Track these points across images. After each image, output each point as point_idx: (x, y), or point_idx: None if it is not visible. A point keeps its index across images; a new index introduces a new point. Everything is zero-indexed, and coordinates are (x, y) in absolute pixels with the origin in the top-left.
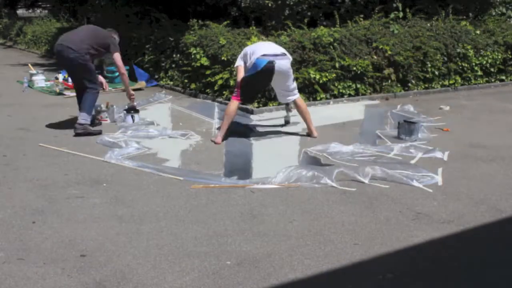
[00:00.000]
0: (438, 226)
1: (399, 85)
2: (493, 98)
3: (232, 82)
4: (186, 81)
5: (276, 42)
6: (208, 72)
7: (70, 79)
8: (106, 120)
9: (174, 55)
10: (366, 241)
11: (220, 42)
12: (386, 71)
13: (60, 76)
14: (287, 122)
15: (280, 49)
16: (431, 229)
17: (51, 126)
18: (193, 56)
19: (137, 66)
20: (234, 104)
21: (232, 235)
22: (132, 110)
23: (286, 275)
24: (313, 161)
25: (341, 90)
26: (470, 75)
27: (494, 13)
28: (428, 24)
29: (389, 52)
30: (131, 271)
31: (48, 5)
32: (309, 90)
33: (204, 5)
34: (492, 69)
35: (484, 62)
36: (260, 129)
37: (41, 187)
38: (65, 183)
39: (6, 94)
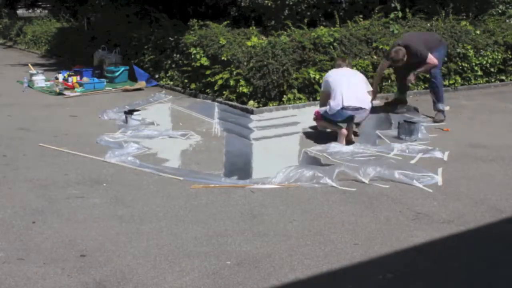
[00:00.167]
0: (438, 226)
1: None
2: (493, 98)
3: (232, 82)
4: (186, 81)
5: (276, 42)
6: (208, 72)
7: (69, 79)
8: None
9: (174, 55)
10: (366, 241)
11: (220, 42)
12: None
13: (60, 76)
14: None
15: (363, 95)
16: (431, 229)
17: (51, 126)
18: (193, 56)
19: (137, 66)
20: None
21: (232, 235)
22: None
23: (286, 275)
24: (313, 161)
25: None
26: (470, 75)
27: (494, 13)
28: (428, 24)
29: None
30: (131, 271)
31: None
32: (309, 90)
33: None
34: (492, 69)
35: (484, 62)
36: (260, 129)
37: (41, 187)
38: (65, 183)
39: (6, 94)
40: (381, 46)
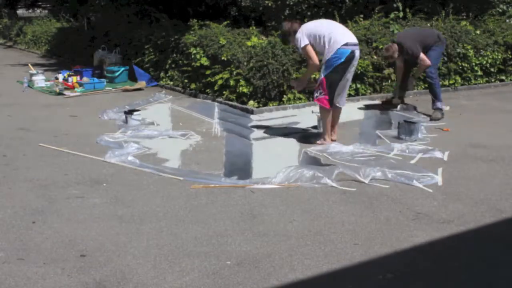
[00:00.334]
0: (438, 226)
1: None
2: (493, 98)
3: (232, 82)
4: (186, 81)
5: (276, 42)
6: (208, 72)
7: (69, 79)
8: None
9: (174, 55)
10: (366, 241)
11: (220, 42)
12: (386, 71)
13: (60, 76)
14: None
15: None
16: (431, 229)
17: (51, 126)
18: (193, 56)
19: (137, 66)
20: (323, 109)
21: (232, 235)
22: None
23: (286, 275)
24: (313, 161)
25: None
26: (470, 75)
27: (494, 13)
28: (428, 24)
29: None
30: (131, 271)
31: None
32: (309, 90)
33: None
34: (492, 69)
35: (484, 62)
36: (260, 129)
37: (41, 187)
38: (65, 183)
39: (6, 94)
40: (381, 46)
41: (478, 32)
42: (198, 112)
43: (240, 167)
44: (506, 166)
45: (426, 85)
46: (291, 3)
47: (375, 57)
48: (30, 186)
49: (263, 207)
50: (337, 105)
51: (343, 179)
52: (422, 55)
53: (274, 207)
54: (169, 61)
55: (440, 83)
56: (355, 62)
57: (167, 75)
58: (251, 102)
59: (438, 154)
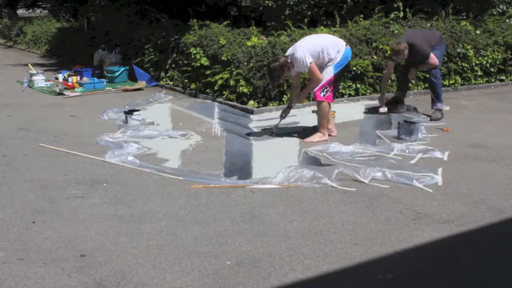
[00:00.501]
0: (438, 226)
1: None
2: (493, 98)
3: (232, 82)
4: (186, 81)
5: (276, 42)
6: (208, 72)
7: (69, 79)
8: None
9: (174, 55)
10: (366, 241)
11: (220, 42)
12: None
13: (60, 76)
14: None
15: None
16: (431, 229)
17: (51, 126)
18: (193, 56)
19: (137, 66)
20: (328, 105)
21: (232, 235)
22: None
23: (286, 275)
24: (313, 161)
25: (341, 90)
26: (470, 75)
27: (494, 12)
28: (428, 24)
29: (389, 52)
30: (131, 271)
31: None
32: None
33: (204, 5)
34: (492, 69)
35: (484, 62)
36: (260, 129)
37: (41, 187)
38: (65, 183)
39: (6, 94)
40: (381, 46)
41: (478, 32)
42: (198, 112)
43: (240, 167)
44: (506, 166)
45: (426, 85)
46: (291, 3)
47: (375, 57)
48: (30, 186)
49: (263, 207)
50: None
51: (343, 178)
52: (432, 55)
53: (274, 207)
54: (169, 61)
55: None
56: None
57: (167, 75)
58: (251, 102)
59: (438, 154)
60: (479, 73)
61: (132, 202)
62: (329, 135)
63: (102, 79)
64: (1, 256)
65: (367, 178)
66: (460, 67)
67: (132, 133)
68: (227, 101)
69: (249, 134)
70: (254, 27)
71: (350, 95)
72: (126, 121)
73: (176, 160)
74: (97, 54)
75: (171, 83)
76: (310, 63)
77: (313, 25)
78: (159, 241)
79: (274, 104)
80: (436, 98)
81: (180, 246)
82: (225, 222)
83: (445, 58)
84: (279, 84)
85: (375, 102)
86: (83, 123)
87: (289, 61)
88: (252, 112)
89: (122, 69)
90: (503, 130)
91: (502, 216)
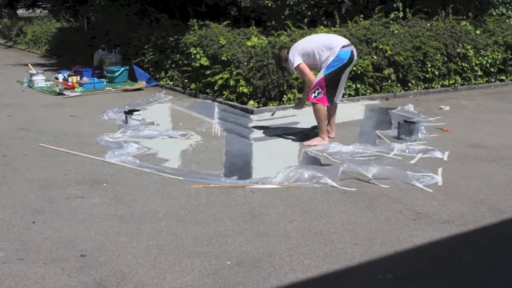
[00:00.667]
0: (438, 226)
1: (399, 85)
2: (493, 98)
3: (232, 82)
4: (186, 81)
5: (276, 42)
6: (208, 72)
7: (69, 79)
8: None
9: (174, 55)
10: (366, 241)
11: (220, 42)
12: (386, 71)
13: (60, 76)
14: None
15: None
16: (431, 229)
17: (51, 126)
18: (193, 56)
19: (137, 66)
20: (323, 108)
21: (232, 235)
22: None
23: (286, 275)
24: (313, 161)
25: None
26: (470, 75)
27: (494, 13)
28: (428, 24)
29: (389, 52)
30: (131, 271)
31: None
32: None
33: (204, 5)
34: (492, 69)
35: (484, 62)
36: (260, 129)
37: (41, 187)
38: (65, 183)
39: (6, 94)
40: (381, 46)
41: (478, 32)
42: (198, 112)
43: (240, 167)
44: (506, 166)
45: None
46: (291, 3)
47: (375, 57)
48: (30, 186)
49: (263, 207)
50: (336, 101)
51: (343, 178)
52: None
53: (274, 207)
54: (169, 61)
55: (440, 83)
56: (354, 61)
57: (167, 75)
58: (251, 102)
59: (438, 154)
60: (479, 73)
61: (132, 202)
62: (328, 136)
63: (102, 79)
64: (1, 256)
65: (371, 173)
66: (460, 67)
67: (132, 133)
68: (227, 101)
69: (249, 134)
70: (254, 27)
71: (350, 95)
72: (126, 121)
73: (176, 160)
74: (97, 54)
75: (171, 83)
76: (299, 64)
77: (313, 25)
78: (159, 241)
79: (274, 104)
80: None
81: (180, 246)
82: (225, 222)
83: (445, 58)
84: (279, 84)
85: (375, 102)
86: (83, 123)
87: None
88: (252, 112)
89: (122, 69)
90: (503, 130)
91: (502, 216)
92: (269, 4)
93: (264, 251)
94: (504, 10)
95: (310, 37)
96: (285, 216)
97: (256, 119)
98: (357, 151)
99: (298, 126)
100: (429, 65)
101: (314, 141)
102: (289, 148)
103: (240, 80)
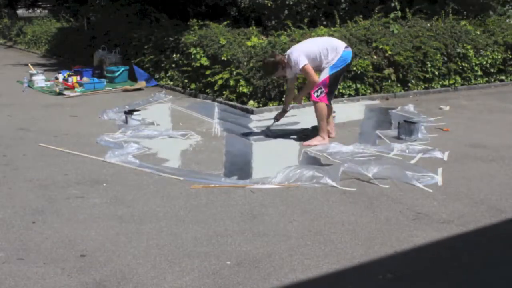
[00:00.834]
0: (438, 226)
1: (399, 85)
2: (493, 98)
3: (232, 82)
4: (186, 81)
5: (276, 42)
6: (208, 72)
7: (69, 79)
8: None
9: (174, 55)
10: (366, 241)
11: (220, 42)
12: (386, 71)
13: (60, 76)
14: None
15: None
16: (431, 229)
17: (51, 126)
18: (193, 56)
19: (137, 66)
20: (325, 106)
21: (232, 235)
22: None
23: (286, 275)
24: (313, 161)
25: (341, 90)
26: (470, 75)
27: (494, 14)
28: (428, 24)
29: (389, 52)
30: (131, 271)
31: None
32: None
33: (204, 5)
34: (492, 69)
35: (484, 62)
36: (260, 129)
37: (41, 187)
38: (65, 183)
39: (6, 94)
40: (381, 46)
41: (478, 32)
42: (198, 112)
43: (240, 167)
44: (506, 166)
45: (426, 85)
46: (291, 3)
47: (375, 57)
48: (30, 186)
49: (263, 207)
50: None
51: (344, 178)
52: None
53: (274, 207)
54: (169, 61)
55: (440, 83)
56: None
57: (167, 75)
58: (251, 102)
59: (438, 154)
60: (479, 73)
61: (132, 202)
62: (328, 136)
63: (102, 79)
64: (1, 256)
65: (371, 172)
66: (460, 67)
67: (132, 133)
68: (227, 101)
69: (249, 134)
70: (254, 27)
71: (350, 95)
72: (126, 121)
73: (176, 160)
74: (97, 54)
75: (171, 83)
76: (305, 64)
77: (313, 25)
78: (159, 241)
79: (274, 104)
80: None
81: (180, 246)
82: (225, 222)
83: (445, 58)
84: (279, 84)
85: (375, 102)
86: (83, 123)
87: (285, 60)
88: (252, 112)
89: (122, 69)
90: (503, 130)
91: (502, 216)
92: (269, 4)
93: (264, 251)
94: (504, 11)
95: (311, 41)
96: (285, 216)
97: (256, 119)
98: (357, 151)
99: (298, 126)
100: (429, 65)
101: (314, 141)
102: (289, 148)
103: (240, 80)
